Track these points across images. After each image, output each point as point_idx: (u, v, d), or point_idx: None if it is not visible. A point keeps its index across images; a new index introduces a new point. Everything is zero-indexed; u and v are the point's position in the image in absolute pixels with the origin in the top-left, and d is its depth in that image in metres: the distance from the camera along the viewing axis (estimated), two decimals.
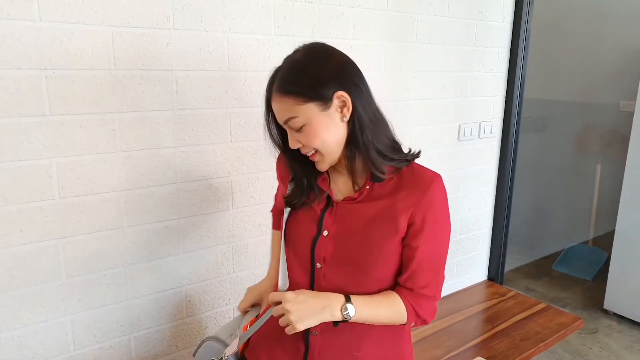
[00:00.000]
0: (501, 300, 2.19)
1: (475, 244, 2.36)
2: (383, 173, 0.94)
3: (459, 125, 2.10)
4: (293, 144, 0.93)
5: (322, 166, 0.95)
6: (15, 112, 1.11)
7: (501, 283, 2.43)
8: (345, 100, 0.90)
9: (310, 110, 0.89)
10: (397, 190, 0.95)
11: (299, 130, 0.90)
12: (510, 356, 1.77)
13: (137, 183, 1.30)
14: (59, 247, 1.21)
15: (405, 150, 1.00)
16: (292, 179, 1.03)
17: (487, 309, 2.12)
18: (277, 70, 0.92)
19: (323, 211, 0.98)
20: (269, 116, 0.96)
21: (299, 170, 1.00)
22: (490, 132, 2.24)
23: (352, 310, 0.89)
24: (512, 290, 2.27)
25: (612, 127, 3.71)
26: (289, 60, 0.92)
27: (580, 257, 3.59)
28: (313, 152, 0.93)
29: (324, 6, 1.55)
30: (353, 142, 0.93)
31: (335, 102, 0.90)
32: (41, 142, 1.15)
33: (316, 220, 0.97)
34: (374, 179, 0.96)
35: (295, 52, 0.92)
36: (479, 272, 2.42)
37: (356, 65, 0.94)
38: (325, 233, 0.96)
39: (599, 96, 3.66)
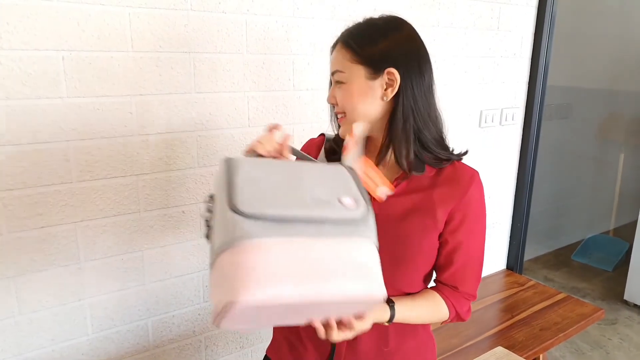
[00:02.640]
0: (520, 290, 2.15)
1: (495, 232, 2.31)
2: (424, 164, 0.92)
3: (481, 111, 2.05)
4: (330, 98, 0.93)
5: (344, 129, 0.93)
6: (33, 93, 1.10)
7: (520, 272, 2.39)
8: (394, 80, 0.88)
9: (357, 73, 0.88)
10: (436, 185, 0.93)
11: (338, 85, 0.90)
12: (530, 346, 1.75)
13: (155, 167, 1.29)
14: (77, 230, 1.21)
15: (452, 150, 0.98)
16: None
17: (506, 298, 2.09)
18: (345, 31, 0.93)
19: None
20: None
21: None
22: (512, 119, 2.18)
23: (394, 317, 0.90)
24: (531, 280, 2.23)
25: (637, 115, 3.61)
26: (368, 20, 0.92)
27: (601, 248, 3.52)
28: (342, 115, 0.92)
29: None
30: (392, 126, 0.90)
31: (385, 77, 0.88)
32: (58, 125, 1.14)
33: None
34: (415, 169, 0.91)
35: (380, 17, 0.93)
36: (498, 261, 2.38)
37: (428, 56, 0.94)
38: None
39: (626, 84, 3.56)
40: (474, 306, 2.00)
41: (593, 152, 3.62)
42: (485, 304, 2.03)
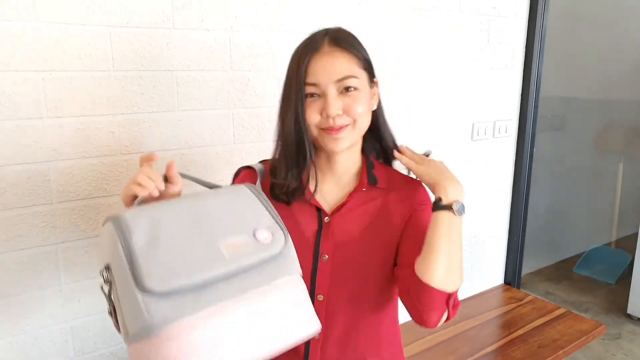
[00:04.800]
0: (518, 305, 2.11)
1: (491, 247, 2.28)
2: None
3: (473, 124, 2.03)
4: (337, 108, 0.82)
5: (343, 144, 0.84)
6: (13, 114, 1.09)
7: (518, 287, 2.35)
8: (377, 89, 0.89)
9: (364, 78, 0.86)
10: (388, 192, 0.93)
11: (348, 92, 0.82)
12: None
13: None
14: (58, 252, 1.19)
15: None
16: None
17: (504, 314, 2.05)
18: (326, 31, 0.87)
19: (318, 233, 0.89)
20: (300, 83, 0.82)
21: (292, 166, 0.87)
22: (506, 132, 2.16)
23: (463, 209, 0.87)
24: (529, 295, 2.19)
25: (635, 124, 3.59)
26: (339, 28, 0.88)
27: (603, 260, 3.47)
28: (348, 123, 0.83)
29: (330, 2, 1.50)
30: (373, 137, 0.92)
31: (374, 87, 0.88)
32: (39, 145, 1.13)
33: (311, 244, 0.89)
34: (371, 180, 0.91)
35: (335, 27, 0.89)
36: (495, 276, 2.34)
37: None
38: (325, 257, 0.88)
39: (620, 93, 3.54)
40: (470, 323, 1.96)
41: (591, 162, 3.59)
42: (482, 320, 1.99)
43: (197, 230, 0.66)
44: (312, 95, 0.82)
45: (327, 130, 0.83)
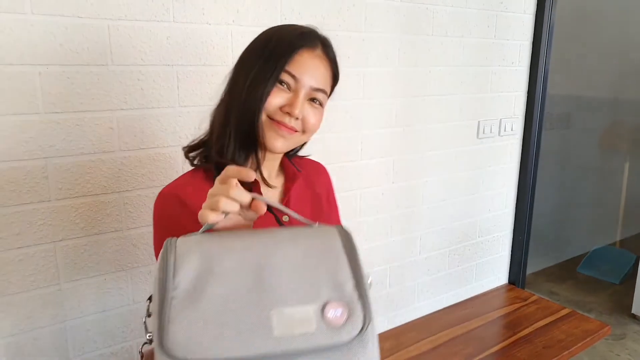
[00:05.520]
0: (523, 305, 2.08)
1: (496, 246, 2.25)
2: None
3: (478, 122, 2.00)
4: (299, 113, 0.78)
5: (285, 145, 0.80)
6: (9, 110, 1.06)
7: (523, 287, 2.33)
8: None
9: (328, 94, 0.85)
10: (306, 177, 0.95)
11: (313, 103, 0.81)
12: None
13: (138, 184, 1.25)
14: (56, 250, 1.17)
15: None
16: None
17: (508, 314, 2.02)
18: (317, 35, 0.83)
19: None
20: (282, 65, 0.76)
21: (242, 147, 0.80)
22: (512, 130, 2.13)
23: None
24: (534, 295, 2.17)
25: None
26: (327, 37, 0.85)
27: (607, 260, 3.44)
28: (298, 130, 0.80)
29: None
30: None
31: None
32: (36, 142, 1.10)
33: None
34: (297, 168, 0.93)
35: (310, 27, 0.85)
36: (499, 276, 2.31)
37: None
38: None
39: (628, 92, 3.50)
40: (474, 323, 1.94)
41: (597, 161, 3.56)
42: (487, 320, 1.96)
43: (254, 287, 0.52)
44: (281, 83, 0.78)
45: (277, 122, 0.78)
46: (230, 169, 0.59)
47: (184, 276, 0.51)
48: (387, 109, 1.70)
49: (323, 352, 0.49)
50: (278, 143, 0.80)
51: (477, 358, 1.71)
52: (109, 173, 1.20)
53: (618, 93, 3.49)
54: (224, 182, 0.58)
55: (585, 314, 2.01)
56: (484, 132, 2.03)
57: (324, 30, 1.47)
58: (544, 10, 2.05)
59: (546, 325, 1.93)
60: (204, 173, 0.82)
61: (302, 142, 0.86)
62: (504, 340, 1.82)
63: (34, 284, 1.16)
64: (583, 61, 3.27)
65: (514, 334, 1.86)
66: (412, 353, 1.73)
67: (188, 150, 0.87)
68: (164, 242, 0.56)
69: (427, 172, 1.88)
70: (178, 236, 0.61)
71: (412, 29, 1.69)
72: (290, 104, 0.78)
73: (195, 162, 0.86)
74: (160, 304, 0.49)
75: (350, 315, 0.51)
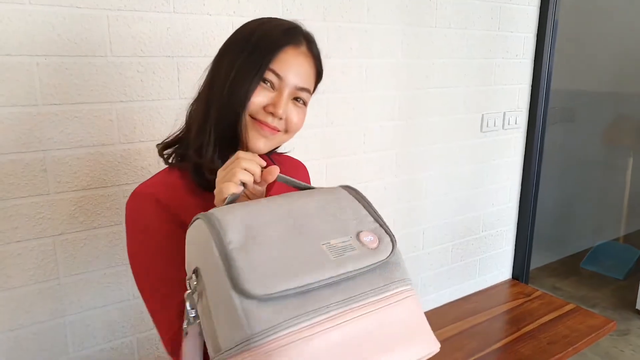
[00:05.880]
0: (527, 301, 2.07)
1: (499, 241, 2.24)
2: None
3: (482, 115, 1.98)
4: (283, 113, 0.75)
5: (266, 145, 0.78)
6: (6, 101, 1.04)
7: (526, 282, 2.31)
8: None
9: (311, 92, 0.81)
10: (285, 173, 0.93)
11: (296, 103, 0.78)
12: None
13: (138, 177, 1.23)
14: (55, 244, 1.15)
15: None
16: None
17: (512, 309, 2.01)
18: (301, 30, 0.79)
19: None
20: (265, 63, 0.73)
21: (223, 147, 0.77)
22: (515, 123, 2.11)
23: None
24: (538, 290, 2.15)
25: None
26: (309, 32, 0.81)
27: (611, 255, 3.42)
28: (281, 129, 0.78)
29: None
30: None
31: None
32: (34, 134, 1.08)
33: None
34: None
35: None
36: (502, 271, 2.30)
37: None
38: None
39: (633, 86, 3.47)
40: (478, 318, 1.92)
41: (600, 156, 3.53)
42: (490, 315, 1.95)
43: (296, 230, 0.59)
44: (265, 81, 0.74)
45: (259, 122, 0.76)
46: (242, 153, 0.66)
47: (234, 234, 0.55)
48: (389, 101, 1.68)
49: (371, 271, 0.59)
50: (260, 143, 0.77)
51: (481, 354, 1.69)
52: (108, 166, 1.19)
53: (622, 87, 3.46)
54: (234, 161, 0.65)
55: (589, 309, 1.99)
56: (487, 126, 2.00)
57: (326, 22, 1.46)
58: (548, 3, 2.02)
59: (550, 320, 1.91)
60: (180, 172, 0.79)
61: (284, 142, 0.83)
62: (507, 336, 1.80)
63: (33, 278, 1.14)
64: (587, 55, 3.24)
65: (518, 329, 1.84)
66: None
67: (163, 147, 0.84)
68: (192, 221, 0.58)
69: (430, 166, 1.86)
70: (154, 239, 0.69)
71: (415, 20, 1.66)
72: (274, 103, 0.75)
73: (170, 160, 0.82)
74: (223, 257, 0.53)
75: (380, 240, 0.62)
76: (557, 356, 1.69)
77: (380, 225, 0.65)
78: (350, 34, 1.52)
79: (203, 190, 0.77)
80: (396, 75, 1.66)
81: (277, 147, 0.90)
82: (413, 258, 1.91)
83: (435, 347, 0.61)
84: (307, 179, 1.01)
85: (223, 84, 0.75)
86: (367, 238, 0.61)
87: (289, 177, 0.72)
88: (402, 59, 1.66)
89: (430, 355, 0.61)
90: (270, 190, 0.77)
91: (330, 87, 1.52)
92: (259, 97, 0.74)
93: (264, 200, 0.63)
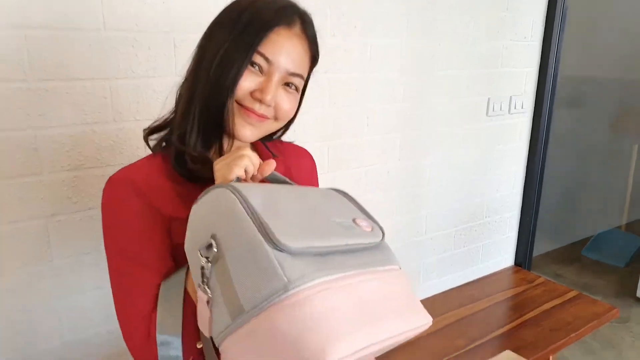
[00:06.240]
0: (529, 287, 2.04)
1: (503, 227, 2.20)
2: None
3: (488, 99, 1.93)
4: (271, 99, 0.70)
5: (253, 134, 0.73)
6: None
7: (529, 269, 2.28)
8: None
9: (305, 78, 0.75)
10: (285, 163, 0.88)
11: (288, 88, 0.72)
12: (539, 347, 1.64)
13: (133, 157, 1.18)
14: (48, 226, 1.12)
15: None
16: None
17: (514, 296, 1.98)
18: (297, 9, 0.73)
19: None
20: (254, 45, 0.68)
21: (207, 135, 0.73)
22: (522, 107, 2.06)
23: None
24: (540, 277, 2.12)
25: None
26: (307, 12, 0.75)
27: (612, 243, 3.40)
28: (270, 116, 0.72)
29: None
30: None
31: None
32: (24, 111, 1.04)
33: None
34: (273, 155, 0.87)
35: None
36: (505, 257, 2.27)
37: None
38: None
39: (638, 73, 3.41)
40: (480, 305, 1.90)
41: (605, 143, 3.49)
42: (492, 302, 1.92)
43: (307, 206, 0.62)
44: (253, 65, 0.69)
45: (246, 109, 0.70)
46: (249, 151, 0.66)
47: (256, 200, 0.56)
48: (393, 83, 1.63)
49: (372, 248, 0.63)
50: (247, 132, 0.72)
51: (483, 340, 1.67)
52: (102, 145, 1.15)
53: (630, 74, 3.40)
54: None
55: (593, 297, 1.97)
56: (493, 110, 1.96)
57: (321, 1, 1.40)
58: None
59: (553, 307, 1.89)
60: (162, 160, 0.74)
61: (275, 130, 0.77)
62: (510, 322, 1.78)
63: (26, 261, 1.11)
64: (596, 41, 3.18)
65: (520, 315, 1.82)
66: (416, 336, 1.69)
67: (148, 132, 0.78)
68: (204, 193, 0.58)
69: (434, 150, 1.82)
70: (131, 229, 0.69)
71: (421, 0, 1.61)
72: (262, 89, 0.69)
73: (154, 147, 0.78)
74: (252, 215, 0.54)
75: (372, 227, 0.66)
76: (559, 342, 1.67)
77: (369, 218, 0.69)
78: (355, 12, 1.46)
79: (185, 180, 0.73)
80: (401, 56, 1.61)
81: (279, 134, 0.86)
82: (416, 243, 1.88)
83: (429, 320, 0.64)
84: (312, 169, 0.95)
85: (209, 67, 0.69)
86: (363, 223, 0.65)
87: (282, 175, 0.73)
88: (406, 40, 1.61)
89: (426, 327, 0.64)
90: None
91: (332, 67, 1.47)
92: (246, 82, 0.69)
93: (272, 185, 0.65)
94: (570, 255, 3.42)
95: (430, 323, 0.64)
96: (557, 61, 2.08)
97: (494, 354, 1.59)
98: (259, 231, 0.52)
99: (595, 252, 3.38)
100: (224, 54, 0.68)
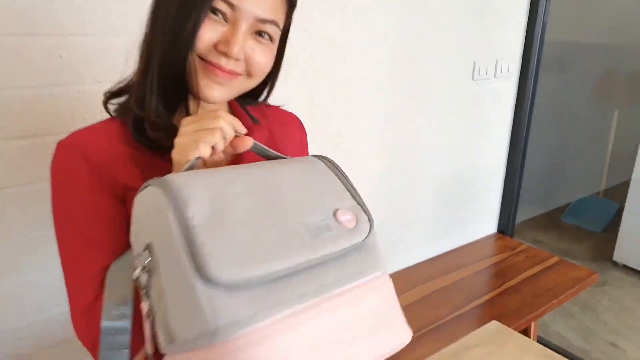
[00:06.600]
0: (512, 254, 2.04)
1: (486, 194, 2.18)
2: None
3: (474, 62, 1.86)
4: (239, 52, 0.60)
5: (222, 95, 0.63)
6: None
7: (512, 236, 2.28)
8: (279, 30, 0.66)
9: (281, 25, 0.65)
10: (269, 130, 0.79)
11: (260, 38, 0.62)
12: (521, 314, 1.64)
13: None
14: (4, 199, 1.02)
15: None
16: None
17: (497, 263, 1.98)
18: None
19: None
20: None
21: (167, 98, 0.63)
22: (508, 71, 2.00)
23: None
24: (523, 244, 2.12)
25: (635, 70, 3.46)
26: None
27: (590, 209, 3.44)
28: (241, 72, 0.63)
29: None
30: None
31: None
32: None
33: None
34: (254, 120, 0.76)
35: None
36: (488, 225, 2.25)
37: None
38: None
39: (626, 37, 3.38)
40: (462, 273, 1.88)
41: (588, 109, 3.47)
42: (475, 269, 1.91)
43: (270, 204, 0.51)
44: (215, 12, 0.59)
45: (211, 64, 0.61)
46: (224, 112, 0.56)
47: (197, 207, 0.46)
48: (376, 44, 1.54)
49: (347, 254, 0.53)
50: (214, 92, 0.62)
51: (466, 308, 1.66)
52: (61, 110, 1.04)
53: (615, 39, 3.36)
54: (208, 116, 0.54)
55: (574, 263, 1.98)
56: (479, 74, 1.89)
57: None
58: None
59: (535, 274, 1.89)
60: (121, 125, 0.66)
61: (250, 88, 0.67)
62: (493, 290, 1.77)
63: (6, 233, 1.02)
64: (583, 5, 3.11)
65: (503, 283, 1.82)
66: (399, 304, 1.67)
67: (109, 96, 0.70)
68: (143, 187, 0.49)
69: (418, 116, 1.76)
70: (79, 203, 0.59)
71: None
72: (226, 40, 0.59)
73: (114, 114, 0.69)
74: (184, 233, 0.44)
75: (357, 220, 0.55)
76: (541, 309, 1.68)
77: (358, 204, 0.58)
78: None
79: (145, 148, 0.64)
80: (385, 18, 1.52)
81: (263, 95, 0.76)
82: (399, 211, 1.84)
83: (407, 337, 0.57)
84: (302, 137, 0.86)
85: (165, 18, 0.60)
86: (345, 217, 0.55)
87: (263, 144, 0.62)
88: (392, 1, 1.52)
89: (402, 346, 0.56)
90: (238, 162, 0.66)
91: (310, 27, 1.37)
92: (208, 33, 0.59)
93: (232, 168, 0.54)
94: (551, 221, 3.45)
95: (409, 339, 0.57)
96: (544, 24, 2.01)
97: (477, 323, 1.58)
98: (188, 259, 0.43)
99: (573, 217, 3.42)
100: (181, 0, 0.58)
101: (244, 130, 0.58)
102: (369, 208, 0.59)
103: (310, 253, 0.49)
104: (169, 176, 0.48)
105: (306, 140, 0.87)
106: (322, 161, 0.62)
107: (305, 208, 0.53)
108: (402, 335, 0.56)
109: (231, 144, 0.57)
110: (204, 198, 0.47)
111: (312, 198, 0.54)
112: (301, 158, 0.62)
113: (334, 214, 0.54)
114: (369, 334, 0.51)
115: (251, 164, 0.58)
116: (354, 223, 0.54)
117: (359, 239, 0.54)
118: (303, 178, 0.56)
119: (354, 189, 0.59)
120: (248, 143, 0.58)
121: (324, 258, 0.50)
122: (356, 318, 0.50)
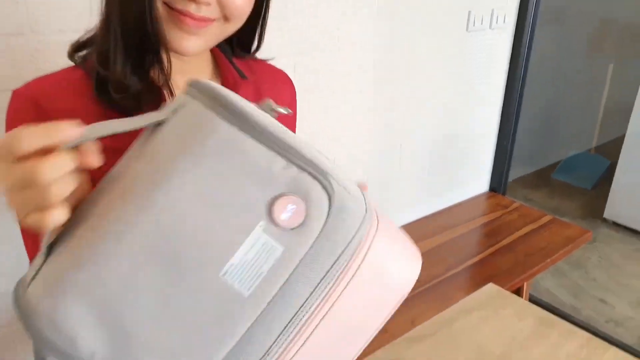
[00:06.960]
0: (504, 213, 2.00)
1: (479, 152, 2.12)
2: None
3: (469, 12, 1.76)
4: None
5: (198, 45, 0.55)
6: None
7: (504, 194, 2.24)
8: None
9: None
10: (256, 86, 0.71)
11: None
12: (514, 274, 1.62)
13: None
14: None
15: None
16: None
17: (490, 222, 1.94)
18: None
19: None
20: None
21: (132, 54, 0.55)
22: (504, 22, 1.90)
23: None
24: (515, 202, 2.09)
25: (633, 21, 3.35)
26: None
27: (581, 165, 3.42)
28: (216, 17, 0.55)
29: None
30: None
31: None
32: None
33: None
34: (241, 75, 0.68)
35: None
36: (481, 183, 2.21)
37: None
38: None
39: None
40: (455, 232, 1.84)
41: (583, 62, 3.38)
42: (468, 228, 1.88)
43: (178, 267, 0.34)
44: None
45: (180, 14, 0.52)
46: (20, 134, 0.32)
47: (89, 340, 0.33)
48: None
49: (304, 268, 0.35)
50: (188, 43, 0.54)
51: (460, 268, 1.64)
52: (20, 63, 0.94)
53: None
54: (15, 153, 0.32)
55: (567, 221, 1.95)
56: (474, 25, 1.79)
57: None
58: None
59: (528, 233, 1.86)
60: (83, 76, 0.58)
61: (231, 32, 0.59)
62: (486, 249, 1.75)
63: None
64: None
65: (496, 242, 1.79)
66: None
67: (74, 48, 0.62)
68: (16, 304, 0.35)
69: (410, 69, 1.67)
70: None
71: None
72: None
73: (78, 62, 0.62)
74: None
75: (307, 201, 0.34)
76: (535, 268, 1.66)
77: (301, 169, 0.35)
78: None
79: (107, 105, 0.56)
80: None
81: (247, 50, 0.68)
82: (390, 171, 1.78)
83: (418, 266, 0.45)
84: (292, 101, 0.79)
85: None
86: (285, 214, 0.34)
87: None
88: None
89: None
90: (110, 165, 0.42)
91: None
92: None
93: (108, 213, 0.35)
94: (542, 179, 3.43)
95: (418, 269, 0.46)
96: None
97: (471, 283, 1.56)
98: None
99: (564, 174, 3.39)
100: None
101: (72, 132, 0.35)
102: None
103: (254, 308, 0.35)
104: (31, 292, 0.34)
105: (295, 101, 0.80)
106: (221, 116, 0.36)
107: (225, 239, 0.34)
108: (415, 268, 0.45)
109: (81, 167, 0.35)
110: (95, 323, 0.34)
111: (231, 209, 0.35)
112: (179, 119, 0.37)
113: (269, 213, 0.34)
114: (365, 325, 0.41)
115: (122, 188, 0.36)
116: (302, 215, 0.35)
117: (312, 236, 0.35)
118: (208, 180, 0.35)
119: (289, 144, 0.35)
120: (94, 160, 0.36)
121: (277, 296, 0.36)
122: (340, 328, 0.39)
